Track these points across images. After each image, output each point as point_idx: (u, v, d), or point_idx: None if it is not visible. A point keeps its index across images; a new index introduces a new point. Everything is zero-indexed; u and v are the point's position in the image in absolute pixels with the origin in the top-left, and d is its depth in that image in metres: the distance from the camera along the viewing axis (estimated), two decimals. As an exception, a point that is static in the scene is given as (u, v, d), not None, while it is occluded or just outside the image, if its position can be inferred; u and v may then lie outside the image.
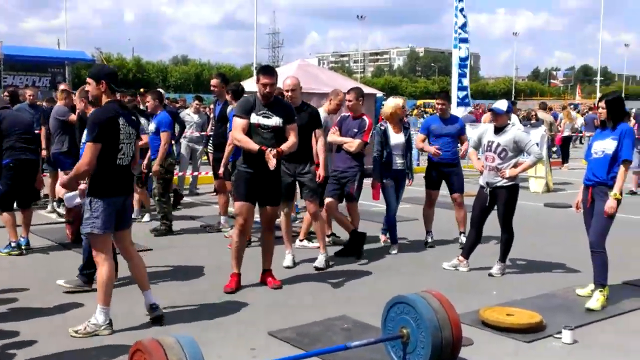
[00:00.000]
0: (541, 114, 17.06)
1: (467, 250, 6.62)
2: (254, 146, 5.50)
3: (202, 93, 21.82)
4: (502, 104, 6.39)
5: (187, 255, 7.04)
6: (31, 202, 7.29)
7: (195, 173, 12.03)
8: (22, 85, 22.04)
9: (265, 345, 4.47)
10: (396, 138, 7.22)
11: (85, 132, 4.82)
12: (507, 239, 6.45)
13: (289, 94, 6.58)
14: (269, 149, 5.40)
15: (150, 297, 4.88)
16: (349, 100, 7.26)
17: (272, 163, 5.34)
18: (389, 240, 7.56)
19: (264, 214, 5.90)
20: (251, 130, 5.63)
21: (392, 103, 7.38)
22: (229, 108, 7.53)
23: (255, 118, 5.62)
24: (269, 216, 5.92)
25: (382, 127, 7.24)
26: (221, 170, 7.62)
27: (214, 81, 8.37)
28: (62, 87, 9.97)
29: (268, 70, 5.77)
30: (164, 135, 8.00)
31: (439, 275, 6.47)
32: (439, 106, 7.77)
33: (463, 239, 7.40)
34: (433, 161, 7.66)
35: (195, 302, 5.43)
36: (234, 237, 5.88)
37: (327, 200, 7.22)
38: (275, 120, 5.64)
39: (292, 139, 5.70)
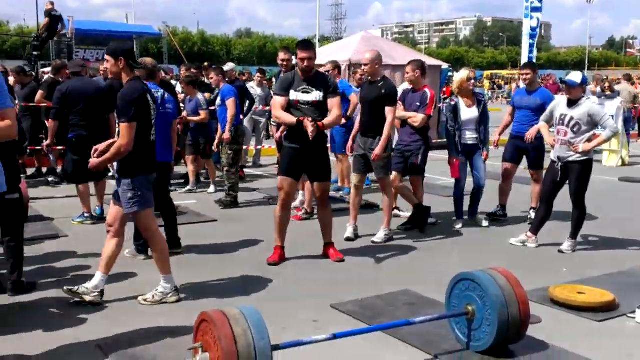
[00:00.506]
0: (623, 85, 16.23)
1: (536, 226, 6.42)
2: (291, 119, 5.51)
3: (265, 66, 21.88)
4: (576, 76, 6.10)
5: (250, 228, 7.12)
6: (103, 176, 7.34)
7: (259, 147, 12.12)
8: (92, 59, 22.67)
9: (328, 318, 4.48)
10: (467, 112, 7.00)
11: (116, 110, 4.72)
12: (579, 215, 6.21)
13: (365, 68, 6.49)
14: (307, 118, 5.39)
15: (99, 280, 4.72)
16: (407, 73, 7.09)
17: (310, 131, 5.29)
18: (483, 220, 7.39)
19: (315, 190, 5.92)
20: (292, 108, 5.62)
21: (457, 77, 7.27)
22: None
23: (294, 95, 5.60)
24: (319, 192, 5.88)
25: (452, 103, 7.07)
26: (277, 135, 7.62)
27: (283, 55, 8.31)
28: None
29: (306, 45, 5.73)
30: (229, 103, 8.01)
31: (506, 252, 6.31)
32: (523, 77, 7.53)
33: (532, 215, 7.18)
34: (512, 134, 7.45)
35: (257, 274, 5.48)
36: (276, 212, 5.87)
37: (392, 174, 7.14)
38: (315, 95, 5.59)
39: (334, 112, 5.62)
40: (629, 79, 17.80)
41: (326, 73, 6.87)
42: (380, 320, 4.36)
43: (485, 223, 7.28)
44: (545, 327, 4.33)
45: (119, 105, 4.47)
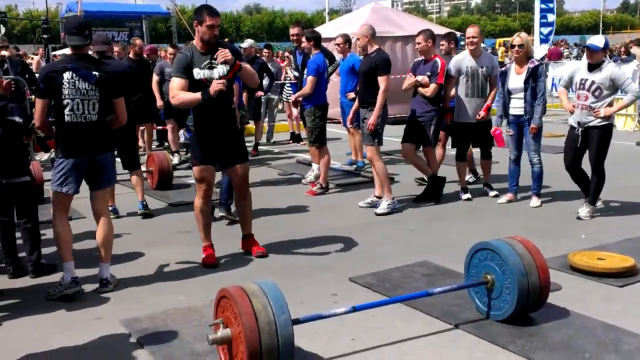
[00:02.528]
0: (635, 49, 15.98)
1: (590, 194, 6.24)
2: (195, 95, 4.74)
3: (275, 42, 21.73)
4: (599, 40, 6.01)
5: (264, 204, 7.12)
6: (133, 166, 6.78)
7: (272, 123, 12.08)
8: (102, 41, 22.60)
9: (347, 291, 4.49)
10: (514, 80, 6.57)
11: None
12: (597, 181, 6.15)
13: (358, 42, 6.66)
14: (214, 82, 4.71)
15: (104, 271, 4.60)
16: (418, 43, 7.02)
17: (217, 88, 4.62)
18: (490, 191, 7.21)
19: (234, 174, 5.19)
20: (197, 89, 4.81)
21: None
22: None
23: (199, 73, 4.83)
24: (240, 176, 5.18)
25: (503, 69, 6.81)
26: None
27: (294, 30, 8.25)
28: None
29: (215, 11, 4.91)
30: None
31: (523, 220, 6.27)
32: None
33: (491, 193, 7.13)
34: None
35: (272, 250, 5.49)
36: (198, 206, 5.15)
37: (404, 144, 7.11)
38: (220, 69, 4.85)
39: (248, 72, 4.98)
40: (639, 43, 17.57)
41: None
42: (399, 292, 4.36)
43: (492, 193, 7.18)
44: (566, 294, 4.31)
45: None
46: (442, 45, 7.89)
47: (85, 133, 4.43)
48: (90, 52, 4.83)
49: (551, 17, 16.54)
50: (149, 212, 6.70)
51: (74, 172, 4.45)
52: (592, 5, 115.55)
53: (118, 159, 6.57)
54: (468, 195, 7.12)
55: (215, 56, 4.74)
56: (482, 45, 8.15)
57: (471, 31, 7.04)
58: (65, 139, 4.43)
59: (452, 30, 7.51)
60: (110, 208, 6.46)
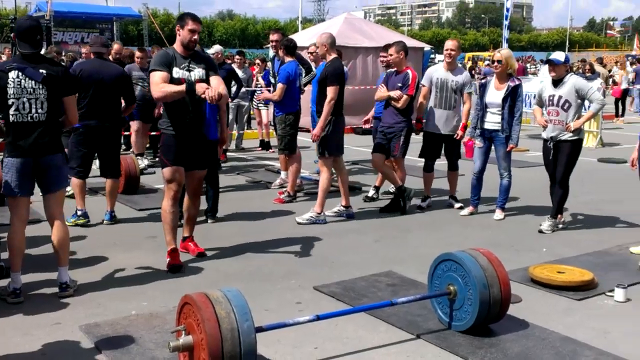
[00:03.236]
0: (597, 67, 16.45)
1: (554, 208, 6.38)
2: (180, 87, 4.75)
3: (247, 48, 21.71)
4: (560, 55, 6.25)
5: (232, 210, 7.10)
6: (113, 173, 6.54)
7: (242, 131, 12.05)
8: (71, 42, 22.33)
9: (311, 299, 4.50)
10: (493, 95, 6.59)
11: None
12: (561, 195, 6.29)
13: (314, 50, 6.79)
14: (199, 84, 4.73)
15: (62, 275, 4.52)
16: (390, 55, 7.10)
17: (210, 96, 4.56)
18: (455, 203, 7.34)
19: (192, 178, 5.26)
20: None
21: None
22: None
23: (177, 72, 4.92)
24: (196, 181, 5.34)
25: (483, 81, 6.94)
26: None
27: (274, 36, 8.26)
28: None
29: (197, 17, 5.08)
30: None
31: (487, 232, 6.37)
32: (382, 59, 7.83)
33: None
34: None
35: (239, 256, 5.48)
36: (166, 208, 5.13)
37: (374, 155, 7.18)
38: (197, 73, 4.98)
39: (220, 87, 4.89)
40: (601, 62, 18.19)
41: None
42: (364, 301, 4.39)
43: (457, 205, 7.29)
44: (526, 306, 4.39)
45: None
46: (385, 56, 7.61)
47: (31, 133, 4.33)
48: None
49: (506, 34, 17.10)
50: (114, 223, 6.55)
51: (21, 173, 4.34)
52: (559, 23, 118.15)
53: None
54: (428, 203, 7.30)
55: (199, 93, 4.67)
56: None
57: (450, 44, 7.18)
58: (12, 139, 4.34)
59: (392, 42, 7.48)
60: (80, 212, 6.36)
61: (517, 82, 6.57)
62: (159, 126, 5.27)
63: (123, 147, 11.07)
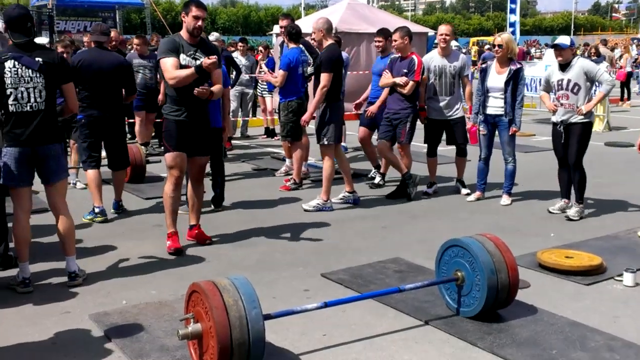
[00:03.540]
0: (602, 50, 16.31)
1: (577, 193, 6.30)
2: (190, 70, 4.85)
3: (250, 36, 21.60)
4: (565, 39, 6.23)
5: (238, 198, 7.10)
6: (122, 165, 6.47)
7: (247, 118, 12.03)
8: (74, 31, 22.25)
9: (319, 287, 4.50)
10: (495, 79, 6.56)
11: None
12: (580, 178, 6.25)
13: (313, 36, 6.64)
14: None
15: (71, 264, 4.54)
16: (395, 41, 7.05)
17: (208, 62, 4.74)
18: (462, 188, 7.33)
19: (194, 164, 5.29)
20: None
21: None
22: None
23: (185, 59, 4.97)
24: (198, 167, 5.35)
25: (484, 66, 6.88)
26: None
27: (283, 22, 8.20)
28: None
29: (201, 3, 5.07)
30: None
31: (494, 218, 6.35)
32: (376, 44, 7.80)
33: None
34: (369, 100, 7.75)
35: (246, 244, 5.49)
36: (167, 192, 5.17)
37: (380, 141, 7.15)
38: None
39: (217, 85, 5.10)
40: (605, 44, 18.07)
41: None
42: (371, 288, 4.38)
43: (464, 191, 7.27)
44: (534, 291, 4.38)
45: None
46: (379, 42, 7.71)
47: (31, 122, 4.31)
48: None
49: (513, 18, 16.88)
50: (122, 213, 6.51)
51: (19, 162, 4.33)
52: (564, 7, 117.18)
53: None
54: (434, 189, 7.29)
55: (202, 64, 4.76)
56: (456, 44, 8.23)
57: (443, 28, 7.11)
58: (10, 128, 4.32)
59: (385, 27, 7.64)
60: (97, 209, 6.16)
61: (518, 66, 6.54)
62: (162, 111, 5.28)
63: (128, 136, 11.09)
